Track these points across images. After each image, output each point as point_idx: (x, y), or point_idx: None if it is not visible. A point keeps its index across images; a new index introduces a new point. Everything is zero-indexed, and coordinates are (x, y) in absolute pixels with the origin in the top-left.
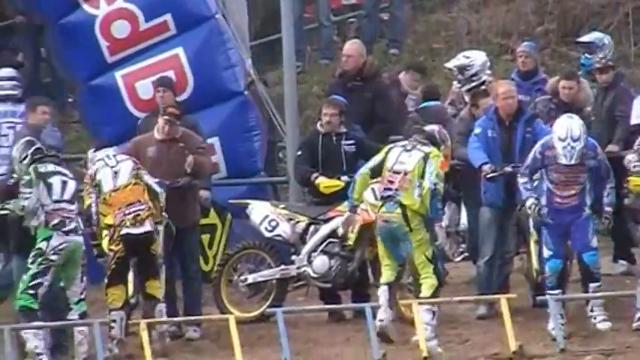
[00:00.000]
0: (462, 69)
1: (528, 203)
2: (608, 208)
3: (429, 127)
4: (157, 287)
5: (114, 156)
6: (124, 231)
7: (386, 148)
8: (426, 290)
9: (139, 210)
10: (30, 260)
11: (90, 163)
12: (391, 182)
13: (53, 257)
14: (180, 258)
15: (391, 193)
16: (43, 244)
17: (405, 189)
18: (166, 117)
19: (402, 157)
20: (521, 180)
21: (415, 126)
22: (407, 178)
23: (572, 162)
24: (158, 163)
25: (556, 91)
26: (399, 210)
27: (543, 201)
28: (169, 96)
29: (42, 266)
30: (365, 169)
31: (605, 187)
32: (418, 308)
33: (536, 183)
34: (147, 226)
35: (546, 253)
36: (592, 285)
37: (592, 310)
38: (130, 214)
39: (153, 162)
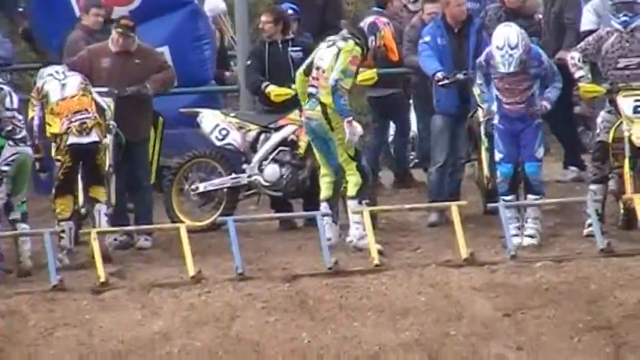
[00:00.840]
0: None
1: (484, 108)
2: (545, 102)
3: (365, 20)
4: (102, 192)
5: (62, 72)
6: (70, 140)
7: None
8: (351, 188)
9: (86, 118)
10: None
11: (38, 78)
12: (315, 79)
13: (5, 168)
14: (130, 168)
15: (313, 91)
16: None
17: (324, 87)
18: (120, 29)
19: (322, 53)
20: (478, 81)
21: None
22: (324, 75)
23: (511, 70)
24: (112, 75)
25: None
26: (318, 108)
27: (494, 107)
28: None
29: None
30: (300, 68)
31: (548, 86)
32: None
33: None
34: (93, 136)
35: (497, 156)
36: (530, 197)
37: (526, 222)
38: (76, 121)
39: (107, 73)
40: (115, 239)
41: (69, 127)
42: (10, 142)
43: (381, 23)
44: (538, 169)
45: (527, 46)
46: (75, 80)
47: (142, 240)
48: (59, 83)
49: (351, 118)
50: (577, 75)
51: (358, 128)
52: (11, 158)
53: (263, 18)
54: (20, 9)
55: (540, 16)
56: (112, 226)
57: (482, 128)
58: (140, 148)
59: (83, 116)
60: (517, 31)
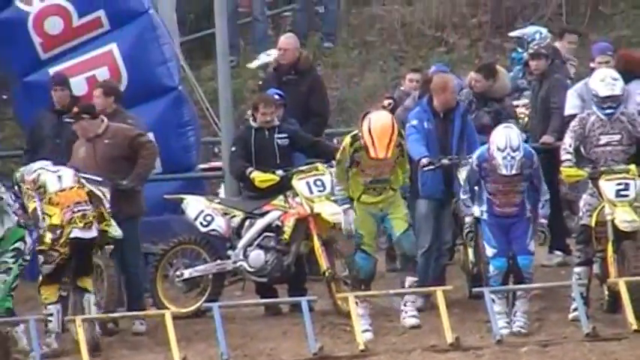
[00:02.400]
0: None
1: (466, 222)
2: (543, 220)
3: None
4: (90, 282)
5: (52, 165)
6: (74, 234)
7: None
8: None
9: (86, 210)
10: (11, 261)
11: (25, 175)
12: None
13: (28, 257)
14: (120, 251)
15: None
16: (19, 244)
17: None
18: (69, 119)
19: None
20: (462, 196)
21: None
22: None
23: (513, 172)
24: (86, 161)
25: (471, 84)
26: None
27: (484, 208)
28: (66, 94)
29: (21, 267)
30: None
31: (539, 199)
32: (354, 301)
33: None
34: (94, 232)
35: (490, 251)
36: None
37: (515, 315)
38: (78, 211)
39: (81, 161)
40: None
41: (72, 218)
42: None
43: (365, 119)
44: (530, 263)
45: (525, 151)
46: (69, 172)
47: (138, 324)
48: (55, 175)
49: (345, 207)
50: (564, 158)
51: (350, 217)
52: (31, 247)
53: (266, 110)
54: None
55: (511, 101)
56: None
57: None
58: (130, 230)
59: (83, 208)
60: (517, 132)
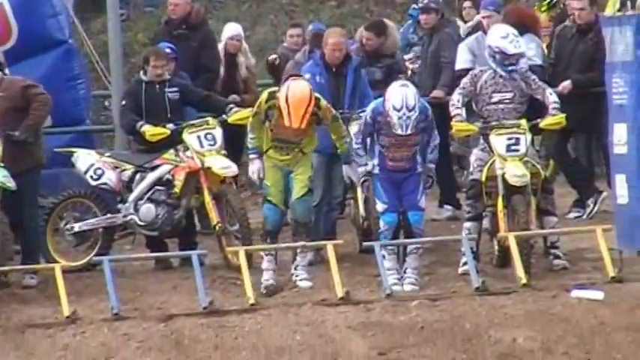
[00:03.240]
0: None
1: (359, 171)
2: (431, 165)
3: None
4: None
5: None
6: None
7: None
8: None
9: None
10: None
11: None
12: None
13: None
14: (16, 205)
15: None
16: None
17: None
18: None
19: None
20: (354, 146)
21: None
22: None
23: (408, 132)
24: None
25: (362, 41)
26: None
27: (376, 161)
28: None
29: None
30: None
31: (429, 144)
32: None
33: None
34: None
35: (380, 206)
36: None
37: (405, 271)
38: None
39: None
40: None
41: None
42: None
43: (284, 85)
44: (421, 218)
45: (420, 108)
46: None
47: (28, 278)
48: None
49: (252, 156)
50: (453, 113)
51: (256, 166)
52: None
53: (157, 62)
54: None
55: (403, 55)
56: None
57: (357, 170)
58: (26, 182)
59: None
60: (413, 91)
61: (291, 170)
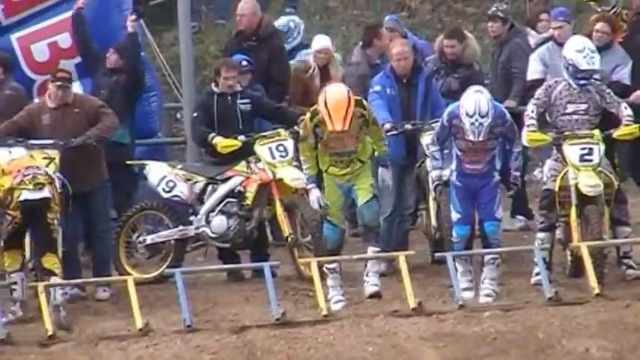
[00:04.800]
0: None
1: (433, 175)
2: (515, 173)
3: None
4: (55, 263)
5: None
6: (23, 197)
7: None
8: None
9: (38, 173)
10: None
11: None
12: None
13: None
14: (87, 219)
15: None
16: None
17: None
18: (58, 82)
19: None
20: (432, 148)
21: None
22: None
23: (480, 138)
24: (54, 130)
25: (442, 50)
26: None
27: (453, 166)
28: (116, 59)
29: None
30: None
31: (512, 151)
32: (316, 266)
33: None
34: (45, 192)
35: (454, 216)
36: (487, 256)
37: (483, 282)
38: (28, 175)
39: (50, 129)
40: (65, 292)
41: (22, 181)
42: None
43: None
44: (497, 229)
45: (494, 112)
46: (19, 149)
47: (101, 291)
48: (5, 150)
49: (310, 187)
50: (527, 123)
51: (313, 195)
52: None
53: (227, 74)
54: None
55: (477, 66)
56: (64, 278)
57: (430, 177)
58: (97, 198)
59: (35, 171)
60: (487, 97)
61: (352, 185)
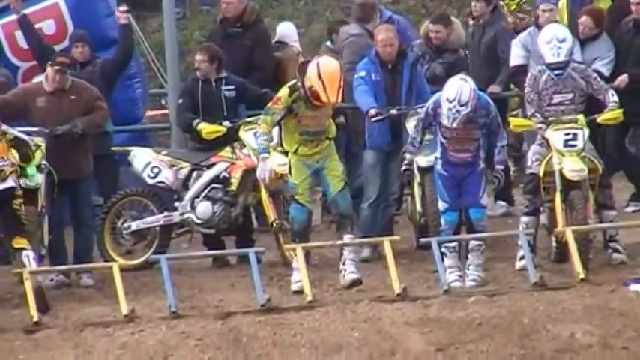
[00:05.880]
0: None
1: (405, 159)
2: (499, 166)
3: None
4: (24, 241)
5: None
6: None
7: None
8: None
9: (3, 167)
10: None
11: None
12: None
13: None
14: (74, 207)
15: None
16: None
17: None
18: (57, 67)
19: None
20: (412, 133)
21: None
22: None
23: (454, 125)
24: (48, 114)
25: (427, 34)
26: None
27: (438, 154)
28: (87, 51)
29: None
30: None
31: (496, 145)
32: (301, 252)
33: (429, 137)
34: (10, 182)
35: (442, 205)
36: (473, 242)
37: (468, 268)
38: None
39: (44, 112)
40: (52, 279)
41: None
42: None
43: (311, 64)
44: (483, 215)
45: (476, 104)
46: None
47: (85, 278)
48: None
49: (262, 156)
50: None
51: (267, 167)
52: None
53: (198, 57)
54: None
55: (464, 52)
56: (50, 265)
57: (415, 163)
58: (83, 186)
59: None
60: (471, 87)
61: (321, 167)
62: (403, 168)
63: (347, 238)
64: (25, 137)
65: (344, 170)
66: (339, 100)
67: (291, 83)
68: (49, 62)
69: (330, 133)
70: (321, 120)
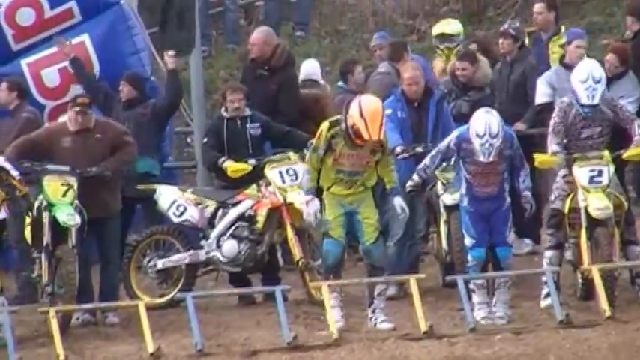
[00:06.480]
0: None
1: (410, 183)
2: (526, 193)
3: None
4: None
5: None
6: None
7: None
8: None
9: None
10: None
11: None
12: None
13: None
14: (100, 245)
15: None
16: None
17: None
18: (77, 108)
19: None
20: (426, 161)
21: None
22: None
23: (490, 159)
24: (74, 155)
25: (454, 72)
26: None
27: (463, 191)
28: (129, 90)
29: None
30: None
31: (520, 174)
32: (327, 290)
33: (452, 175)
34: (2, 214)
35: (469, 241)
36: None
37: (495, 305)
38: None
39: (69, 152)
40: (77, 318)
41: None
42: None
43: (353, 103)
44: (509, 254)
45: (503, 135)
46: None
47: (111, 316)
48: None
49: (308, 198)
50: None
51: (312, 208)
52: None
53: (234, 96)
54: None
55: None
56: (77, 302)
57: (440, 201)
58: (111, 225)
59: None
60: (497, 119)
61: (354, 210)
62: (408, 190)
63: (378, 289)
64: (7, 166)
65: (378, 218)
66: (381, 137)
67: (332, 119)
68: (70, 103)
69: (368, 181)
70: (358, 160)
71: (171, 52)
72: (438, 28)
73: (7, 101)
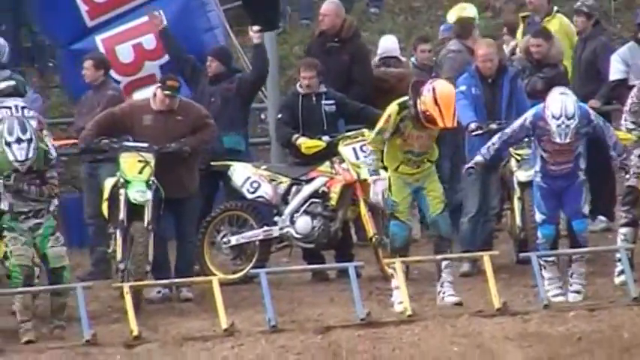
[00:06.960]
0: None
1: (474, 159)
2: (620, 158)
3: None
4: None
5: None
6: None
7: None
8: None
9: None
10: None
11: None
12: None
13: None
14: (175, 222)
15: None
16: None
17: None
18: (167, 92)
19: None
20: (494, 139)
21: None
22: None
23: (567, 140)
24: (154, 133)
25: (528, 49)
26: None
27: (537, 168)
28: (217, 66)
29: None
30: None
31: (608, 143)
32: (400, 267)
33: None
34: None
35: (539, 217)
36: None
37: (572, 277)
38: None
39: (150, 130)
40: (159, 292)
41: None
42: None
43: (426, 89)
44: (585, 226)
45: (579, 114)
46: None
47: (185, 291)
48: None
49: (375, 177)
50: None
51: (379, 187)
52: None
53: (307, 73)
54: (50, 64)
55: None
56: (155, 278)
57: (514, 177)
58: (189, 204)
59: None
60: (573, 99)
61: (420, 186)
62: (467, 166)
63: (445, 263)
64: (52, 151)
65: (443, 191)
66: (455, 124)
67: (400, 100)
68: (159, 84)
69: (432, 157)
70: (427, 141)
71: (256, 28)
72: (453, 15)
73: (93, 78)
